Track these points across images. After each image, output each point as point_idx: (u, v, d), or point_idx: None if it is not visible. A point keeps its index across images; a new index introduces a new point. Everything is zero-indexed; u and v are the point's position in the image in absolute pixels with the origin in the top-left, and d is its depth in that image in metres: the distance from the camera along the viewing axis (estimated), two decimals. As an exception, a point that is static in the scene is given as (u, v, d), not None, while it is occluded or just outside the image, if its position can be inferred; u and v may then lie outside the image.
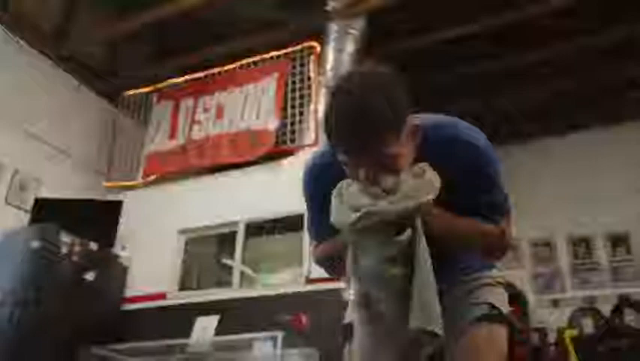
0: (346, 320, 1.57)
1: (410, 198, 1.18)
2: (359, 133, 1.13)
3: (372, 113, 1.12)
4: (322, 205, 1.37)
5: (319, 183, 1.39)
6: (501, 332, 1.46)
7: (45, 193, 5.08)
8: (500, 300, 1.49)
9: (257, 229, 4.62)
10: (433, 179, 1.21)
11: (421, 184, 1.20)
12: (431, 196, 1.19)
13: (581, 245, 5.48)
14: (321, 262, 1.55)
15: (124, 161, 5.61)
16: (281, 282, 4.26)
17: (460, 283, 1.45)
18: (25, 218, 4.88)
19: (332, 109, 1.17)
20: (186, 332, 4.14)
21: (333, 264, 1.54)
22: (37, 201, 4.95)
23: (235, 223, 4.66)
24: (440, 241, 1.27)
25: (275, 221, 4.51)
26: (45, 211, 4.71)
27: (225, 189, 4.83)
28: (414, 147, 1.21)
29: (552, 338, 4.73)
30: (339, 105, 1.16)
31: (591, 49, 5.26)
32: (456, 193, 1.25)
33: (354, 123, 1.13)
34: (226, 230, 4.74)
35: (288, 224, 4.40)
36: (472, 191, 1.29)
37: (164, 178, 5.30)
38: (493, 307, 1.45)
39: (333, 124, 1.17)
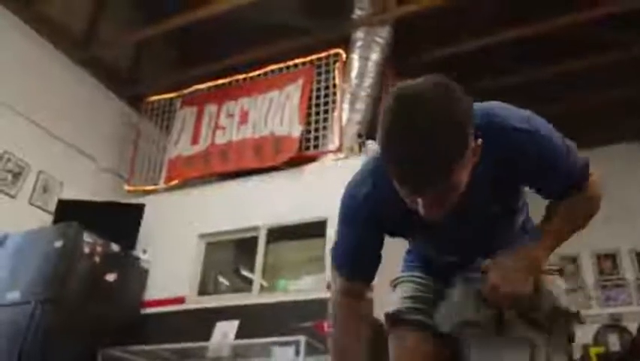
0: (390, 309, 1.54)
1: None
2: (427, 173, 1.02)
3: (441, 149, 1.00)
4: (358, 238, 1.35)
5: (360, 217, 1.32)
6: None
7: (68, 196, 5.11)
8: (556, 288, 1.43)
9: (278, 234, 4.58)
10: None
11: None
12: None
13: (607, 261, 5.38)
14: (336, 313, 1.43)
15: (146, 165, 5.64)
16: (302, 288, 4.20)
17: None
18: (48, 219, 4.91)
19: (393, 141, 1.04)
20: (205, 336, 4.10)
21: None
22: (60, 202, 4.99)
23: (256, 228, 4.63)
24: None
25: (297, 227, 4.47)
26: (67, 213, 4.72)
27: (247, 194, 4.82)
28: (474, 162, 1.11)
29: (577, 354, 4.61)
30: (402, 139, 1.02)
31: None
32: (535, 182, 1.26)
33: (421, 162, 1.00)
34: (247, 235, 4.71)
35: (310, 230, 4.36)
36: (545, 175, 1.26)
37: (185, 183, 5.31)
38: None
39: (397, 162, 1.04)
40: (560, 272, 1.48)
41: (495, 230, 1.37)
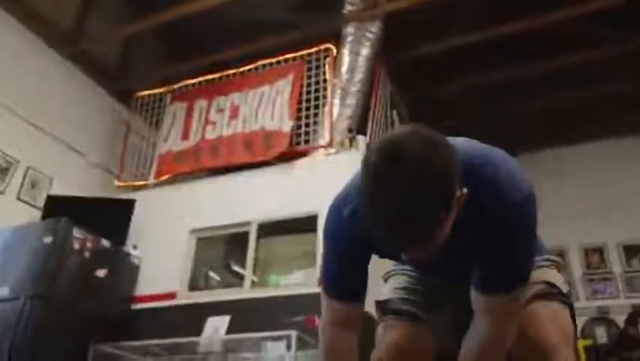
0: (382, 297, 1.55)
1: None
2: (410, 235, 0.99)
3: (425, 211, 0.96)
4: (345, 257, 1.31)
5: (346, 236, 1.27)
6: (564, 312, 1.37)
7: (57, 191, 5.09)
8: (558, 280, 1.41)
9: (269, 229, 4.59)
10: None
11: None
12: None
13: (595, 255, 5.44)
14: (325, 345, 1.38)
15: (136, 161, 5.62)
16: (293, 283, 4.21)
17: None
18: (37, 215, 4.88)
19: (375, 201, 0.98)
20: (196, 332, 4.10)
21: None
22: (49, 198, 4.96)
23: (247, 224, 4.63)
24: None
25: (288, 222, 4.47)
26: (57, 208, 4.70)
27: (238, 189, 4.82)
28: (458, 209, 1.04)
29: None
30: (385, 199, 0.97)
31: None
32: (470, 252, 1.17)
33: (405, 224, 0.97)
34: (238, 230, 4.71)
35: (301, 225, 4.37)
36: (489, 254, 1.16)
37: (176, 178, 5.29)
38: (552, 285, 1.38)
39: (378, 222, 1.00)
40: (557, 267, 1.47)
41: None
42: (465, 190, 1.02)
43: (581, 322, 4.89)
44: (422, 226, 0.97)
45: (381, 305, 1.54)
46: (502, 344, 1.26)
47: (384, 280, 1.62)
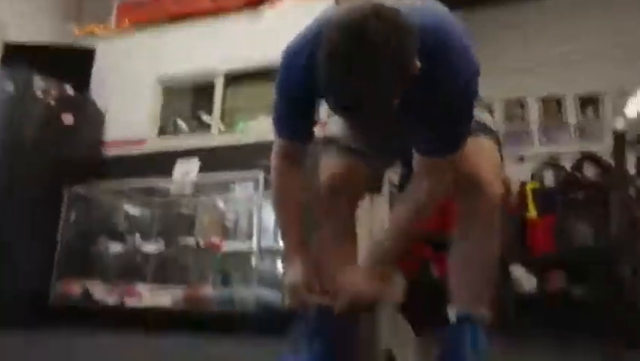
0: (327, 133, 1.64)
1: None
2: (367, 111, 1.05)
3: (383, 89, 1.04)
4: (295, 103, 1.36)
5: (298, 83, 1.31)
6: (493, 147, 1.45)
7: (11, 38, 4.88)
8: (488, 119, 1.48)
9: (236, 78, 4.59)
10: None
11: None
12: None
13: (552, 105, 5.62)
14: (275, 172, 1.54)
15: (95, 8, 5.35)
16: (260, 130, 4.31)
17: None
18: (-6, 63, 4.73)
19: (334, 76, 1.04)
20: (168, 176, 4.24)
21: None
22: (6, 46, 4.78)
23: (214, 72, 4.61)
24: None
25: (255, 71, 4.46)
26: (15, 56, 4.55)
27: (204, 37, 4.71)
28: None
29: (514, 191, 5.00)
30: (344, 75, 1.02)
31: None
32: (417, 118, 1.25)
33: (362, 101, 1.03)
34: (205, 79, 4.69)
35: (268, 74, 4.37)
36: (436, 121, 1.25)
37: (138, 26, 5.11)
38: (480, 124, 1.43)
39: (336, 97, 1.06)
40: (489, 109, 1.55)
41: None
42: (419, 64, 1.08)
43: (532, 167, 5.21)
44: (378, 104, 1.04)
45: (328, 138, 1.63)
46: (438, 199, 1.38)
47: (328, 115, 1.69)
